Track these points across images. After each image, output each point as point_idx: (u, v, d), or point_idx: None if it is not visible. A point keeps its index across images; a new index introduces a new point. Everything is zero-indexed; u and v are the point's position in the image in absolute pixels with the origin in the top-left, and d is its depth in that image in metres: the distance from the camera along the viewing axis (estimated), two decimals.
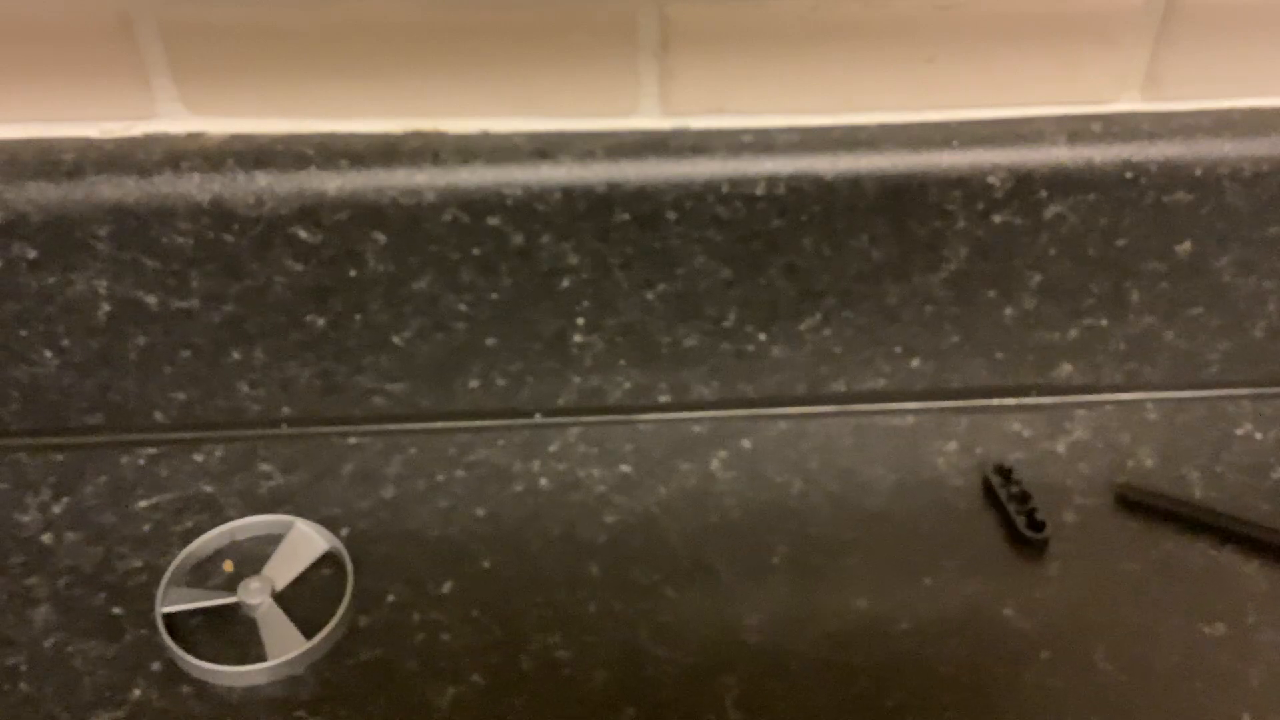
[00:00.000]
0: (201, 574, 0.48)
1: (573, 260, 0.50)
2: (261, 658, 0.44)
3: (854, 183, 0.48)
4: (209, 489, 0.52)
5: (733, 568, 0.48)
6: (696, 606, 0.46)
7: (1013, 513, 0.49)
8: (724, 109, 0.49)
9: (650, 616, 0.46)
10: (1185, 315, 0.53)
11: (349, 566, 0.47)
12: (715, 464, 0.53)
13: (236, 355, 0.52)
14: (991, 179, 0.48)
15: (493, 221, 0.48)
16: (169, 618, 0.45)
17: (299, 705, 0.43)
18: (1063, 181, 0.49)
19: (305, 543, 0.49)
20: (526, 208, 0.48)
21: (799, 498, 0.51)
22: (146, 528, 0.50)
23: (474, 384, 0.54)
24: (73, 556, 0.49)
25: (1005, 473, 0.51)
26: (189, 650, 0.44)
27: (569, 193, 0.48)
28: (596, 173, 0.48)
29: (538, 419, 0.55)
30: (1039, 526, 0.48)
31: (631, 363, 0.53)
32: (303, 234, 0.48)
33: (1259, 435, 0.54)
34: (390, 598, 0.47)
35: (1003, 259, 0.51)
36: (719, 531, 0.49)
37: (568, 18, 0.47)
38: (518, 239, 0.49)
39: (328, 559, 0.49)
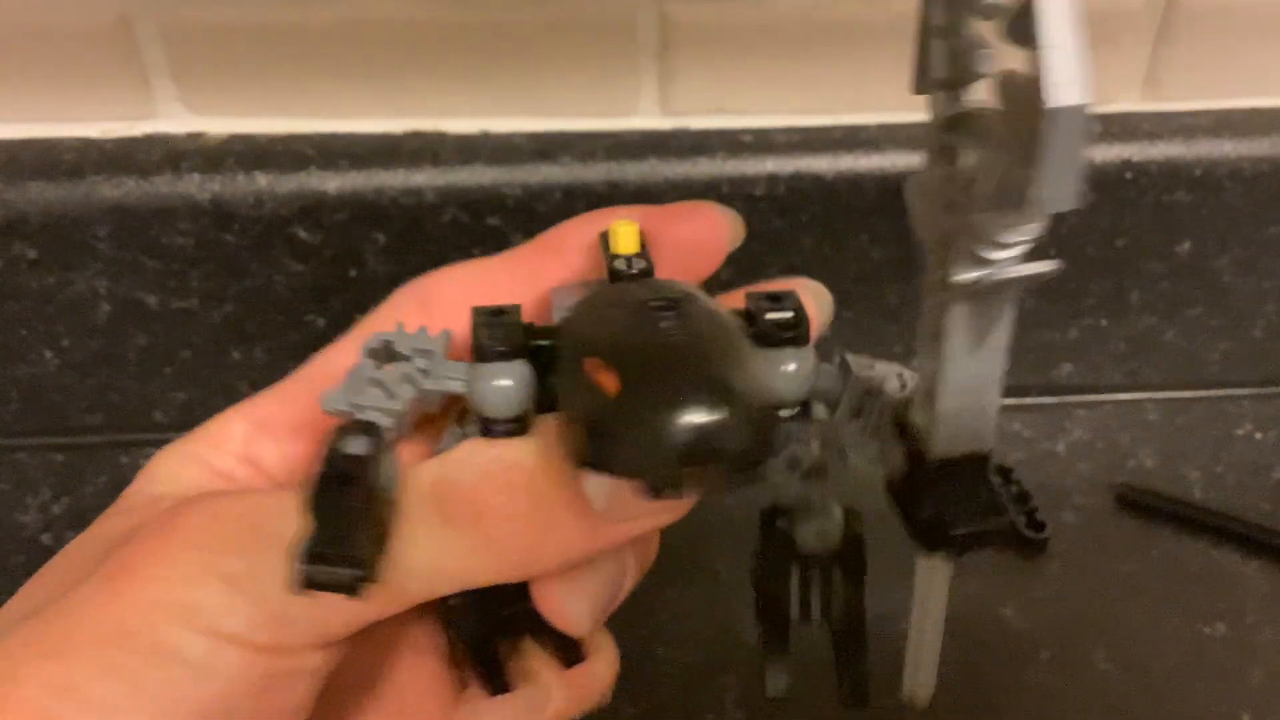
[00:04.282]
0: None
1: None
2: None
3: (854, 183, 0.48)
4: None
5: (733, 568, 0.48)
6: (696, 606, 0.46)
7: (1013, 513, 0.49)
8: (724, 109, 0.49)
9: (650, 616, 0.46)
10: (1185, 315, 0.53)
11: None
12: None
13: (236, 355, 0.52)
14: None
15: (493, 221, 0.48)
16: None
17: None
18: None
19: None
20: (526, 208, 0.48)
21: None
22: None
23: None
24: None
25: (1005, 473, 0.51)
26: None
27: (569, 193, 0.48)
28: (596, 173, 0.48)
29: None
30: (1039, 526, 0.48)
31: None
32: (303, 234, 0.48)
33: (1259, 435, 0.54)
34: None
35: None
36: (719, 531, 0.49)
37: (568, 18, 0.47)
38: (518, 239, 0.49)
39: None
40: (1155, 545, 0.48)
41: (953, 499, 0.24)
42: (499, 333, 0.25)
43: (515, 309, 0.26)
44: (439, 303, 0.30)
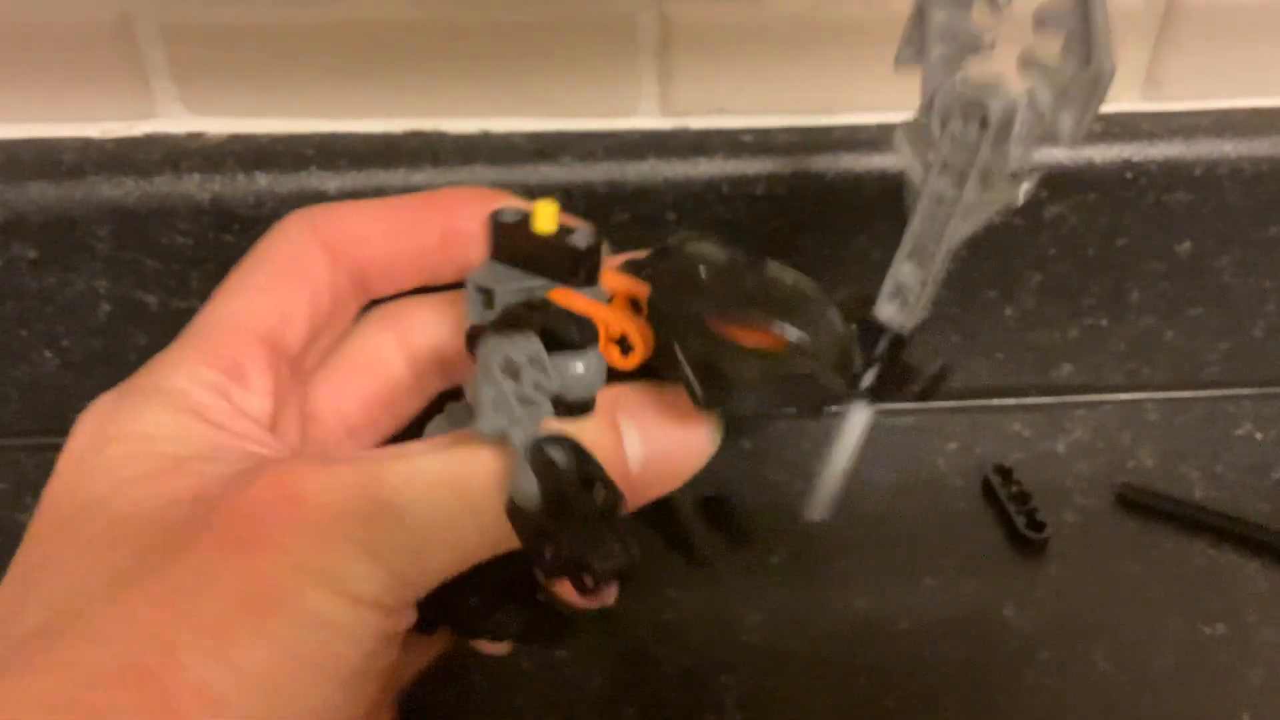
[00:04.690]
0: None
1: None
2: None
3: (854, 183, 0.48)
4: None
5: (733, 568, 0.48)
6: (696, 606, 0.46)
7: (1013, 513, 0.49)
8: (724, 109, 0.49)
9: (650, 616, 0.46)
10: (1185, 315, 0.53)
11: None
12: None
13: None
14: None
15: None
16: None
17: None
18: (1063, 181, 0.49)
19: None
20: None
21: (799, 498, 0.51)
22: None
23: None
24: None
25: (1005, 473, 0.51)
26: None
27: (569, 193, 0.48)
28: (596, 173, 0.48)
29: None
30: (1039, 526, 0.48)
31: None
32: None
33: (1259, 435, 0.54)
34: None
35: (1003, 259, 0.51)
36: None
37: (568, 18, 0.47)
38: None
39: None
40: (1155, 545, 0.48)
41: (923, 350, 0.33)
42: (571, 325, 0.28)
43: (549, 302, 0.29)
44: (338, 239, 0.32)
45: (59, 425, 0.53)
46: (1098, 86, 0.30)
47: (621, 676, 0.44)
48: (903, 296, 0.34)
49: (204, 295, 0.50)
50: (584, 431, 0.28)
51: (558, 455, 0.26)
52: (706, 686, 0.43)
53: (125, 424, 0.28)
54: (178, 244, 0.48)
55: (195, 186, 0.47)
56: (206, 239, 0.48)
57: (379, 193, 0.47)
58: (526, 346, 0.27)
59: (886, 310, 0.34)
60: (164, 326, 0.51)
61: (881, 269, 0.51)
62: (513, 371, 0.27)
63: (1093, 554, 0.48)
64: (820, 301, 0.31)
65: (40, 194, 0.47)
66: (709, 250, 0.31)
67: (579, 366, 0.27)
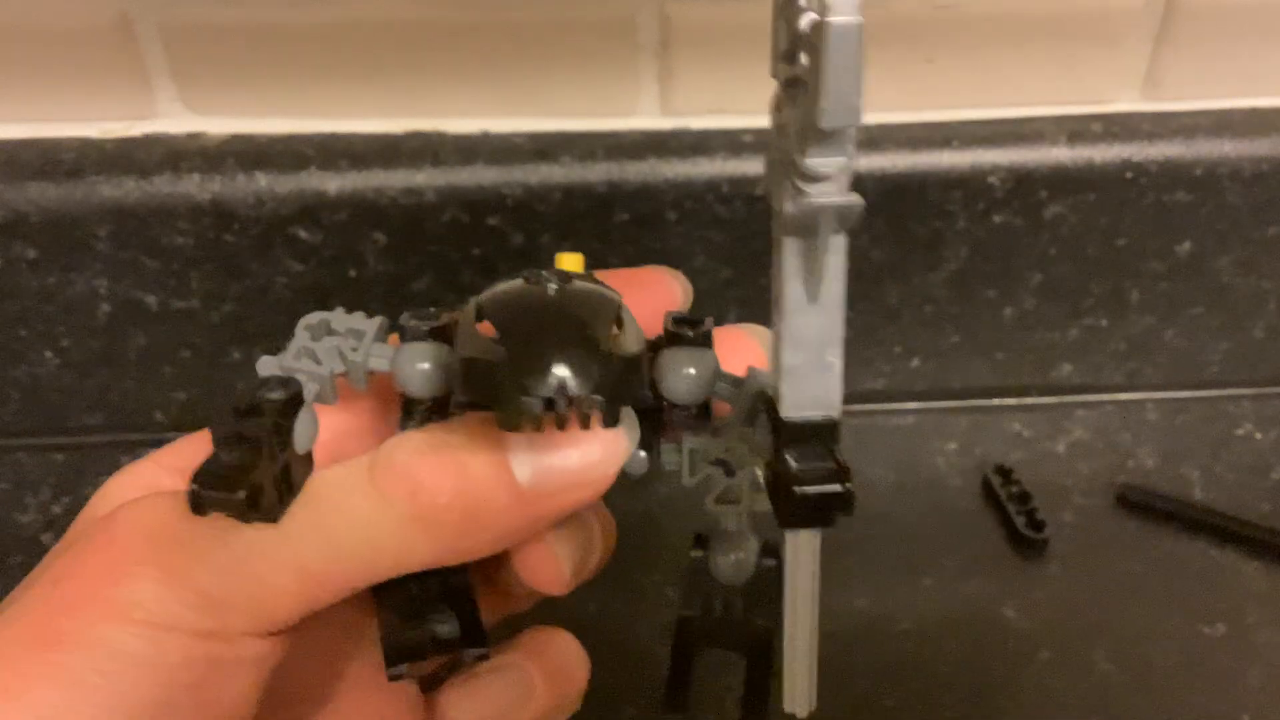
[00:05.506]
0: None
1: None
2: None
3: (853, 183, 0.48)
4: None
5: None
6: None
7: (1013, 513, 0.49)
8: (724, 109, 0.49)
9: (650, 616, 0.46)
10: (1185, 315, 0.53)
11: None
12: None
13: (236, 355, 0.52)
14: (991, 179, 0.48)
15: (493, 221, 0.48)
16: None
17: None
18: (1063, 181, 0.49)
19: None
20: (526, 208, 0.48)
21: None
22: None
23: None
24: None
25: (1005, 473, 0.51)
26: None
27: (569, 193, 0.48)
28: (596, 173, 0.48)
29: None
30: (1039, 526, 0.48)
31: None
32: (303, 234, 0.48)
33: (1259, 435, 0.54)
34: None
35: (1003, 259, 0.51)
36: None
37: (568, 18, 0.47)
38: (518, 239, 0.49)
39: None
40: (1155, 545, 0.48)
41: (799, 459, 0.25)
42: (424, 318, 0.26)
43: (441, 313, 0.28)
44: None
45: (59, 425, 0.53)
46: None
47: (621, 676, 0.43)
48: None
49: (204, 295, 0.50)
50: (440, 432, 0.25)
51: (271, 394, 0.25)
52: (706, 687, 0.43)
53: (103, 490, 0.29)
54: (178, 244, 0.48)
55: (195, 186, 0.47)
56: (206, 239, 0.48)
57: (379, 193, 0.48)
58: (355, 321, 0.26)
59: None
60: (164, 326, 0.51)
61: (882, 267, 0.51)
62: (320, 331, 0.26)
63: (1093, 554, 0.48)
64: (576, 318, 0.24)
65: (40, 194, 0.47)
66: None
67: (423, 363, 0.26)
